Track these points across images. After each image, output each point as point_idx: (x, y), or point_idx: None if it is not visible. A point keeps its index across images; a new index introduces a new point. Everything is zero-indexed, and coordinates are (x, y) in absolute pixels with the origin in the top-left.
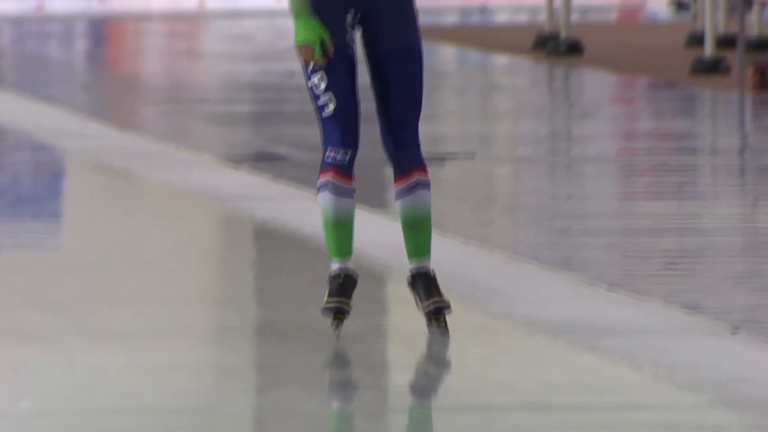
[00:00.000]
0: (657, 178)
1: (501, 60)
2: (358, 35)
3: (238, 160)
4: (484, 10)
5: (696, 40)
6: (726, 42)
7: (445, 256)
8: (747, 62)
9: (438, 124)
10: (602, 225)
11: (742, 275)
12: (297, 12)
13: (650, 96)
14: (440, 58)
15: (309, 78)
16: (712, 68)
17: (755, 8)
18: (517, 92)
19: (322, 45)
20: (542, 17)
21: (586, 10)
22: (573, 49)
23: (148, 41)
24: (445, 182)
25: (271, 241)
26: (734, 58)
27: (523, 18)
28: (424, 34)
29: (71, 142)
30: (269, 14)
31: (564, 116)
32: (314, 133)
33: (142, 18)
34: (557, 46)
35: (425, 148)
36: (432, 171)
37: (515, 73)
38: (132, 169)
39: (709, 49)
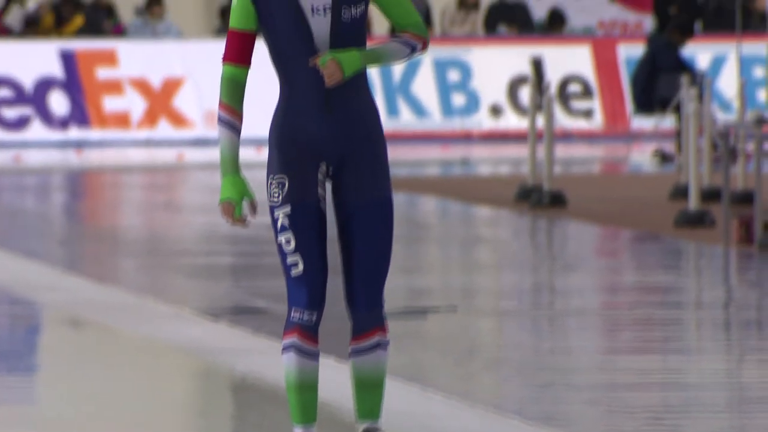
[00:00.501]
0: (641, 332)
1: (483, 212)
2: (328, 188)
3: (217, 313)
4: (465, 162)
5: (680, 192)
6: (710, 195)
7: (427, 411)
8: (732, 215)
9: (420, 277)
10: (586, 379)
11: (728, 431)
12: (224, 170)
13: (634, 249)
14: (422, 210)
15: (277, 235)
16: (696, 221)
17: (740, 161)
18: (500, 244)
19: (249, 205)
20: (525, 169)
21: (570, 162)
22: (556, 201)
23: (127, 193)
24: (426, 335)
25: (250, 396)
26: (719, 211)
27: (505, 170)
28: (406, 186)
29: (48, 295)
30: (248, 165)
31: (547, 269)
32: None
33: (120, 170)
34: (540, 198)
35: (408, 301)
36: (414, 324)
37: (498, 225)
38: (110, 323)
39: (693, 202)
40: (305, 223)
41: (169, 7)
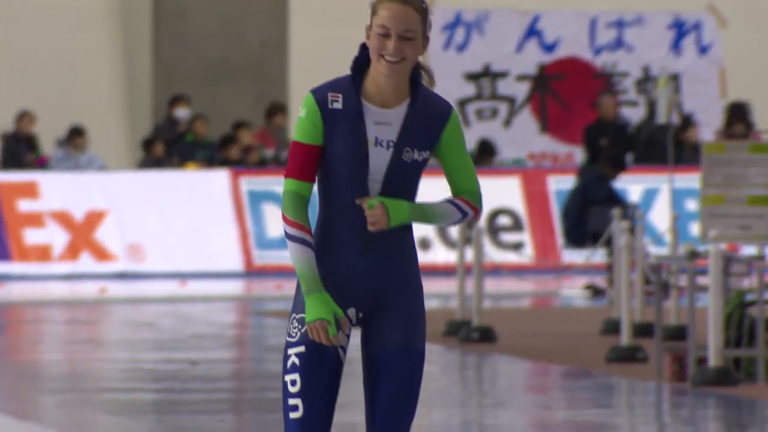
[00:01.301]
0: None
1: None
2: (356, 335)
3: None
4: None
5: (612, 327)
6: (643, 330)
7: None
8: (665, 351)
9: (348, 413)
10: None
11: None
12: (307, 288)
13: (565, 385)
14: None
15: (284, 374)
16: (628, 357)
17: (672, 295)
18: (428, 380)
19: (337, 323)
20: (453, 303)
21: (499, 296)
22: (485, 336)
23: (48, 328)
24: None
25: None
26: (651, 346)
27: (433, 304)
28: None
29: None
30: (172, 300)
31: (476, 405)
32: (216, 428)
33: (42, 304)
34: (469, 333)
35: None
36: None
37: (428, 362)
38: None
39: (625, 337)
40: (317, 368)
41: (91, 138)
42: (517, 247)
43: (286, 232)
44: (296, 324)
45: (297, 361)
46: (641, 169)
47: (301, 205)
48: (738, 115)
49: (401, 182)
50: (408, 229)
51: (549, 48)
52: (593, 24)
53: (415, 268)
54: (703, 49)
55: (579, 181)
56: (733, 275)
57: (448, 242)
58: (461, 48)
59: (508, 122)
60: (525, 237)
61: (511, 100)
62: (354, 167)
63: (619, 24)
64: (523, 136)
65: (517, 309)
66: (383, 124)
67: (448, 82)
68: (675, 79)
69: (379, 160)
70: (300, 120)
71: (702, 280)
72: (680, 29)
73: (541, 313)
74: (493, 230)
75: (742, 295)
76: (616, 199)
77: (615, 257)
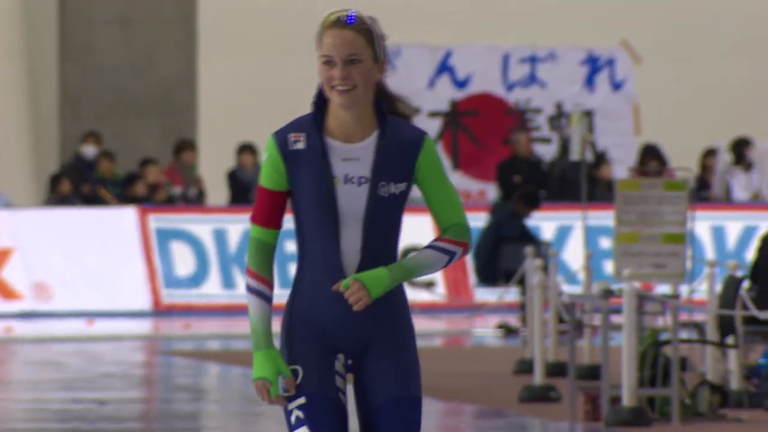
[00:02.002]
0: None
1: None
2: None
3: None
4: None
5: (525, 366)
6: (556, 369)
7: None
8: (578, 390)
9: None
10: None
11: None
12: (255, 344)
13: (478, 425)
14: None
15: (292, 429)
16: (541, 396)
17: (586, 334)
18: None
19: (287, 381)
20: None
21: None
22: None
23: None
24: None
25: None
26: (565, 385)
27: None
28: (239, 359)
29: None
30: (79, 339)
31: None
32: None
33: None
34: None
35: None
36: None
37: None
38: None
39: (538, 377)
40: (322, 417)
41: None
42: (429, 285)
43: (246, 283)
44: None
45: (301, 413)
46: (554, 206)
47: (265, 254)
48: (652, 153)
49: (382, 220)
50: (392, 262)
51: (461, 84)
52: (506, 59)
53: (404, 311)
54: (616, 86)
55: (492, 218)
56: (647, 314)
57: None
58: None
59: None
60: (437, 275)
61: None
62: (322, 209)
63: (532, 59)
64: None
65: (430, 348)
66: (351, 160)
67: None
68: (588, 115)
69: (353, 199)
70: (263, 164)
71: (616, 318)
72: (594, 65)
73: (454, 353)
74: None
75: (657, 334)
76: (529, 237)
77: (528, 296)
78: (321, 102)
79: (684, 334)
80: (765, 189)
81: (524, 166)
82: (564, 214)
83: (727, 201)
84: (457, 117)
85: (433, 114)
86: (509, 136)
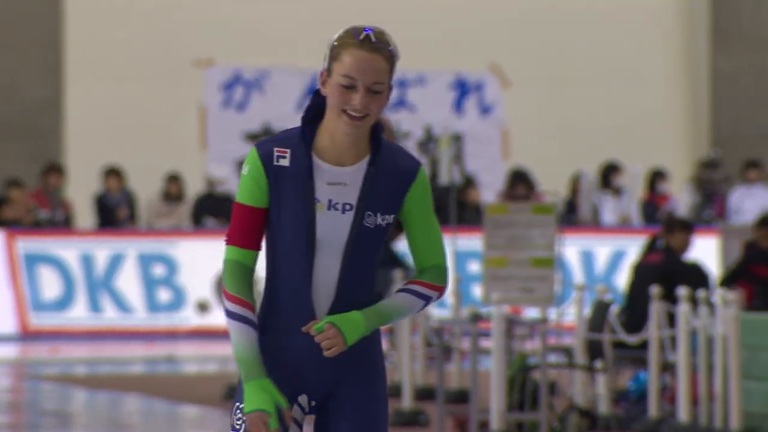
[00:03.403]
0: None
1: (190, 411)
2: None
3: None
4: (171, 359)
5: (394, 390)
6: (425, 393)
7: None
8: (447, 414)
9: None
10: None
11: None
12: (245, 374)
13: None
14: (126, 410)
15: None
16: (410, 420)
17: (455, 358)
18: None
19: (280, 414)
20: (233, 367)
21: None
22: None
23: None
24: None
25: None
26: (433, 410)
27: (212, 368)
28: (109, 384)
29: None
30: (43, 363)
31: None
32: None
33: None
34: None
35: None
36: None
37: (205, 426)
38: None
39: (407, 401)
40: None
41: None
42: None
43: (224, 308)
44: (240, 414)
45: None
46: None
47: (244, 276)
48: (520, 177)
49: (363, 253)
50: (368, 302)
51: None
52: None
53: (377, 352)
54: (485, 110)
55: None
56: (516, 338)
57: None
58: (241, 107)
59: None
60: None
61: None
62: (299, 235)
63: (402, 83)
64: None
65: None
66: (337, 184)
67: (227, 142)
68: (457, 139)
69: (334, 227)
70: (242, 178)
71: (485, 343)
72: (463, 89)
73: None
74: None
75: (525, 358)
76: (398, 261)
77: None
78: (312, 117)
79: (553, 358)
80: (633, 213)
81: None
82: None
83: (595, 225)
84: None
85: None
86: None
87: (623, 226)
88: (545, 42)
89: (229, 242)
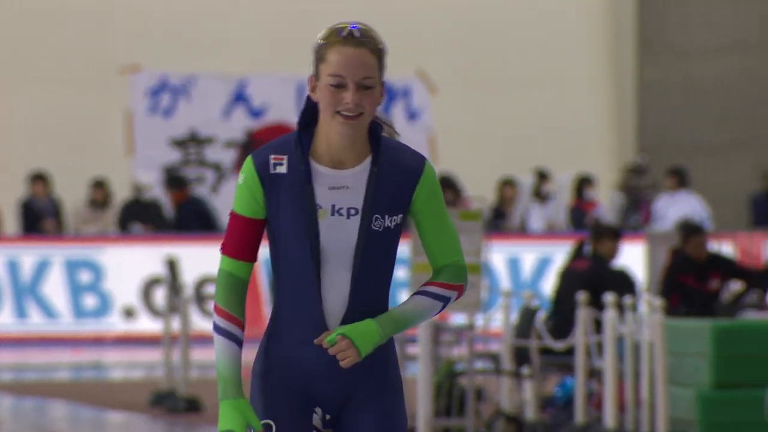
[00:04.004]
0: None
1: (116, 417)
2: None
3: None
4: (98, 366)
5: None
6: None
7: None
8: None
9: None
10: None
11: None
12: (222, 392)
13: None
14: (52, 417)
15: None
16: None
17: None
18: None
19: None
20: (159, 373)
21: (206, 365)
22: (192, 406)
23: None
24: None
25: None
26: None
27: (139, 374)
28: (35, 390)
29: None
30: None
31: None
32: None
33: None
34: (175, 403)
35: None
36: None
37: None
38: None
39: None
40: None
41: None
42: None
43: (213, 322)
44: None
45: None
46: None
47: (236, 289)
48: (447, 183)
49: (375, 259)
50: (384, 310)
51: (256, 113)
52: (301, 89)
53: (393, 362)
54: (412, 115)
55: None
56: (443, 344)
57: (154, 311)
58: (167, 113)
59: (215, 189)
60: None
61: (218, 167)
62: (303, 244)
63: None
64: (230, 202)
65: None
66: (340, 188)
67: (154, 148)
68: None
69: (341, 233)
70: (238, 188)
71: (411, 349)
72: (389, 95)
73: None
74: (200, 298)
75: (452, 365)
76: None
77: None
78: (308, 121)
79: (479, 365)
80: (561, 220)
81: None
82: None
83: (522, 231)
84: (252, 147)
85: (229, 144)
86: None
87: (549, 233)
88: (472, 49)
89: (223, 252)
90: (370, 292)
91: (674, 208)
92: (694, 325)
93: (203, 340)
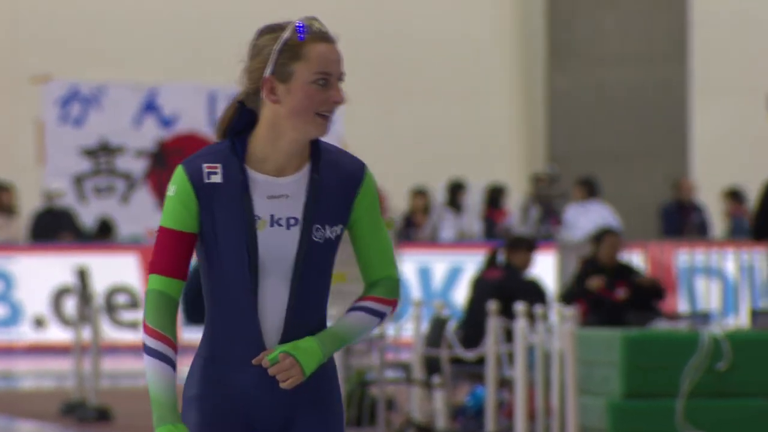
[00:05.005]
0: None
1: (26, 427)
2: None
3: None
4: (8, 376)
5: None
6: None
7: None
8: None
9: None
10: None
11: None
12: (159, 417)
13: None
14: None
15: None
16: None
17: None
18: None
19: None
20: (70, 382)
21: (117, 375)
22: (102, 416)
23: None
24: None
25: None
26: None
27: (49, 383)
28: None
29: None
30: None
31: None
32: None
33: None
34: (86, 413)
35: None
36: None
37: None
38: None
39: None
40: None
41: None
42: (135, 325)
43: (144, 343)
44: None
45: None
46: None
47: (166, 308)
48: None
49: (315, 271)
50: (323, 326)
51: (167, 123)
52: (212, 98)
53: (334, 381)
54: None
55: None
56: (354, 354)
57: (64, 320)
58: (78, 122)
59: (126, 198)
60: (142, 315)
61: (128, 176)
62: (241, 256)
63: None
64: (141, 212)
65: (135, 388)
66: (279, 197)
67: (65, 158)
68: None
69: (279, 245)
70: (168, 200)
71: None
72: None
73: None
74: (111, 308)
75: (363, 374)
76: None
77: None
78: (241, 126)
79: (390, 374)
80: (474, 229)
81: None
82: None
83: (433, 241)
84: (163, 156)
85: (140, 153)
86: None
87: (460, 242)
88: (384, 59)
89: (152, 270)
90: (308, 307)
91: (584, 218)
92: (604, 334)
93: (114, 349)
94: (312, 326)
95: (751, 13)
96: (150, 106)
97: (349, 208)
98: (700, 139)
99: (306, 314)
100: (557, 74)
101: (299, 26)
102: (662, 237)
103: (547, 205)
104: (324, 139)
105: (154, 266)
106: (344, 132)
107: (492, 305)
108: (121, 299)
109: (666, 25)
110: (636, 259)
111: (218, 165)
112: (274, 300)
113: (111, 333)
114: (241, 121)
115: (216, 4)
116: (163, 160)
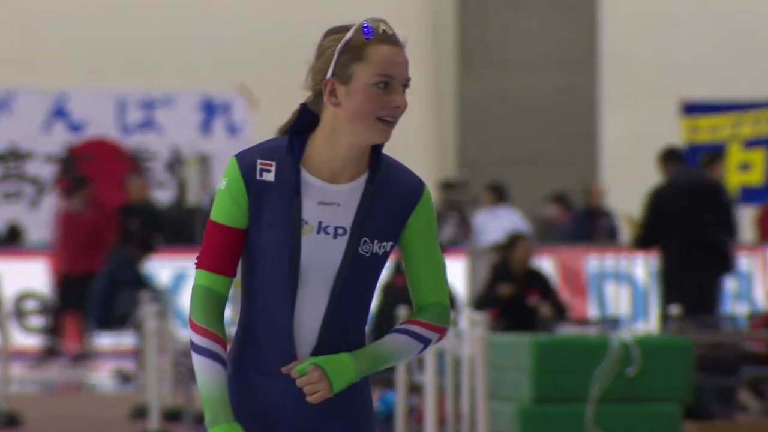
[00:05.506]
0: None
1: None
2: None
3: None
4: None
5: (140, 412)
6: (172, 415)
7: None
8: None
9: None
10: None
11: None
12: (213, 416)
13: None
14: None
15: None
16: None
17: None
18: None
19: None
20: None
21: (27, 381)
22: (12, 421)
23: None
24: None
25: None
26: (182, 431)
27: None
28: None
29: None
30: None
31: None
32: None
33: None
34: None
35: None
36: None
37: None
38: None
39: (154, 422)
40: None
41: None
42: (45, 331)
43: (191, 341)
44: None
45: None
46: (171, 251)
47: (214, 305)
48: None
49: (357, 284)
50: (360, 342)
51: (76, 128)
52: (122, 104)
53: (366, 402)
54: (233, 130)
55: (108, 263)
56: None
57: None
58: None
59: (35, 204)
60: (51, 320)
61: (37, 182)
62: (282, 260)
63: (149, 104)
64: (50, 218)
65: (45, 394)
66: (330, 204)
67: None
68: (205, 160)
69: (324, 253)
70: (219, 193)
71: None
72: (210, 110)
73: (70, 399)
74: (20, 314)
75: None
76: (143, 283)
77: (144, 341)
78: (303, 126)
79: None
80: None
81: (140, 211)
82: (180, 260)
83: None
84: (72, 161)
85: (49, 158)
86: (125, 181)
87: None
88: (296, 64)
89: (199, 265)
90: (346, 322)
91: (494, 223)
92: (514, 339)
93: (23, 355)
94: (347, 342)
95: (662, 19)
96: (59, 112)
97: (402, 225)
98: (610, 144)
99: (342, 329)
100: (467, 80)
101: (365, 27)
102: (572, 242)
103: (458, 212)
104: (232, 143)
105: (201, 261)
106: (254, 138)
107: (402, 311)
108: (30, 305)
109: (576, 31)
110: (546, 264)
111: (272, 163)
112: (311, 310)
113: (20, 339)
114: (301, 121)
115: (126, 10)
116: (72, 165)
